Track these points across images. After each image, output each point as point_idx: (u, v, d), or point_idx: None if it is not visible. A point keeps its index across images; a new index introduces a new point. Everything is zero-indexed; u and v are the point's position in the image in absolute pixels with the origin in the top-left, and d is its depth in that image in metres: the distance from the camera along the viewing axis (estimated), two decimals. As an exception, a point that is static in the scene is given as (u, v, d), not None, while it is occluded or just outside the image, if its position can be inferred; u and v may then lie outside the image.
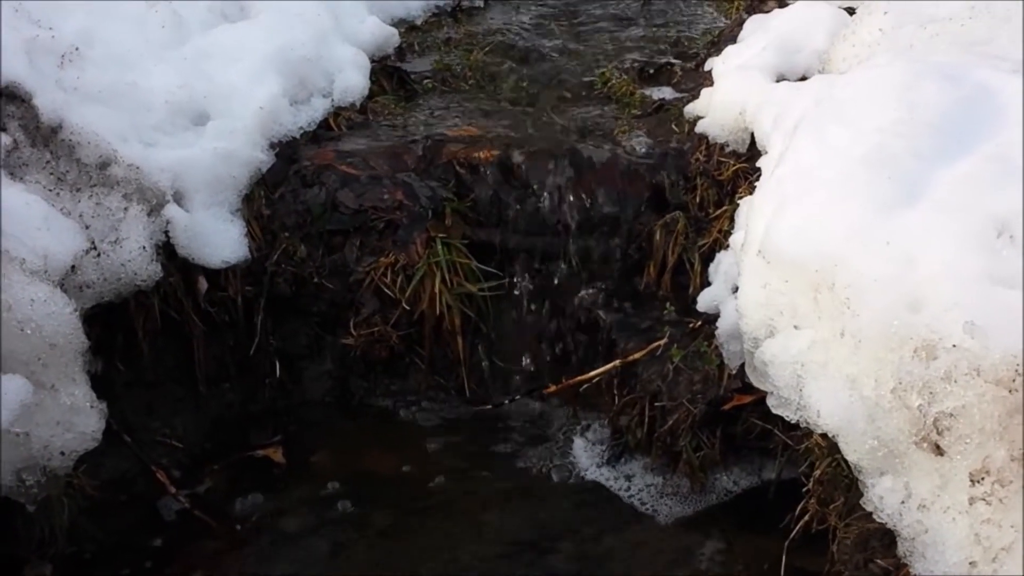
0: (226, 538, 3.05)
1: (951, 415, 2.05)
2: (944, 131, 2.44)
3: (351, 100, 3.86)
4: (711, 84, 3.65)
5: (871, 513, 2.28)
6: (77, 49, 3.19)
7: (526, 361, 3.62)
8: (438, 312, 3.47)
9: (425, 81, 4.20)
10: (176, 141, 3.30)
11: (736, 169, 3.42)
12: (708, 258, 3.36)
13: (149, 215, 3.04)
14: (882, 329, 2.18)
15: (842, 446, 2.31)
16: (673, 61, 4.28)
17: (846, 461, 2.37)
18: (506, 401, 3.58)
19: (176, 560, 2.97)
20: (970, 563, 2.01)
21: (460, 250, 3.46)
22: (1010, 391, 1.97)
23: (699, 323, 3.23)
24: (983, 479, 2.02)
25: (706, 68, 3.94)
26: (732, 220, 3.26)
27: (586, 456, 3.38)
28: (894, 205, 2.33)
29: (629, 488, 3.25)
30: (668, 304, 3.44)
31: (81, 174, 2.97)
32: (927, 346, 2.10)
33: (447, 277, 3.44)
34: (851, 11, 3.50)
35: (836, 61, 3.32)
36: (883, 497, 2.23)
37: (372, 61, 4.09)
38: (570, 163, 3.53)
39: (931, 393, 2.08)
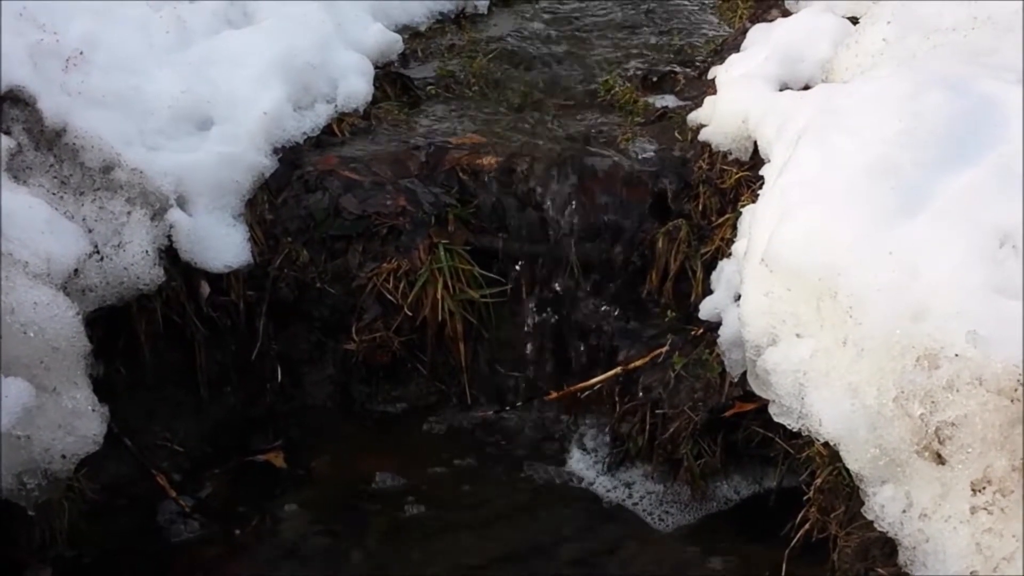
0: (226, 543, 3.04)
1: (953, 424, 2.05)
2: (947, 142, 2.45)
3: (355, 106, 3.87)
4: (714, 92, 3.66)
5: (872, 522, 2.28)
6: (81, 53, 3.20)
7: (527, 368, 3.61)
8: (440, 318, 3.47)
9: (429, 87, 4.21)
10: (179, 145, 3.30)
11: (739, 177, 3.42)
12: (710, 266, 3.36)
13: (152, 219, 3.05)
14: (885, 338, 2.19)
15: (843, 455, 2.31)
16: (676, 69, 4.30)
17: (847, 470, 2.37)
18: (507, 408, 3.58)
19: (176, 564, 2.97)
20: (971, 572, 2.01)
21: (462, 256, 3.46)
22: (1012, 400, 1.97)
23: (701, 331, 3.23)
24: (984, 488, 2.02)
25: (709, 76, 3.94)
26: (735, 228, 3.26)
27: (586, 463, 3.37)
28: (897, 215, 2.34)
29: (630, 495, 3.24)
30: (670, 312, 3.44)
31: (84, 178, 2.97)
32: (929, 355, 2.10)
33: (449, 283, 3.44)
34: (854, 21, 3.51)
35: (839, 71, 3.33)
36: (884, 506, 2.23)
37: (376, 67, 4.09)
38: (573, 170, 3.53)
39: (933, 402, 2.08)
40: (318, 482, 3.30)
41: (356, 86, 3.89)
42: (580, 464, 3.37)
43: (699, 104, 3.73)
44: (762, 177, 3.13)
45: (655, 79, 4.23)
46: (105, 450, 2.78)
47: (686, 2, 5.13)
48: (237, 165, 3.35)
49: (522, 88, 4.18)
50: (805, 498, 2.72)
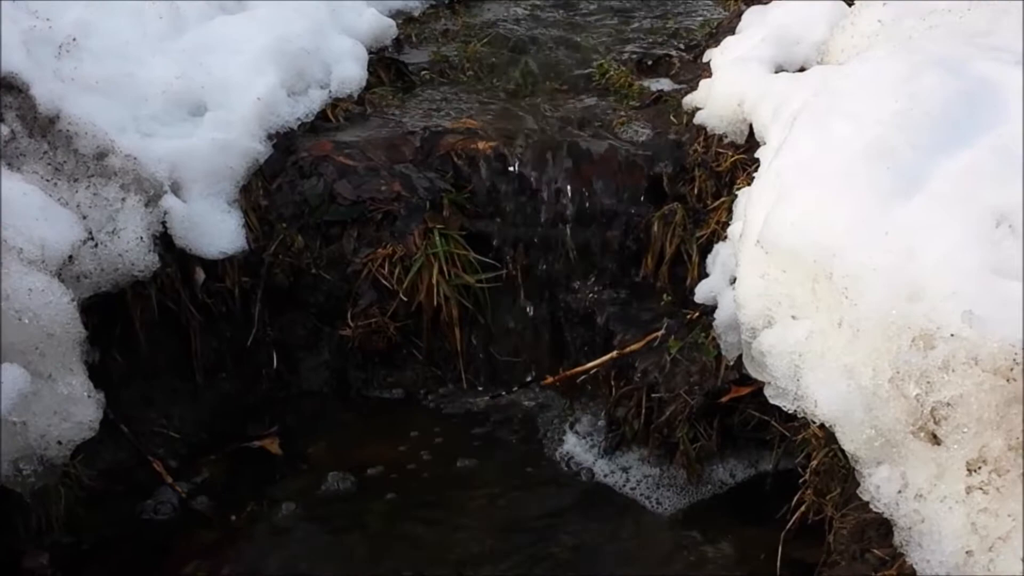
0: (223, 529, 3.05)
1: (948, 404, 2.05)
2: (944, 123, 2.44)
3: (349, 91, 3.86)
4: (710, 75, 3.65)
5: (868, 503, 2.28)
6: (75, 40, 3.19)
7: (523, 352, 3.61)
8: (436, 303, 3.47)
9: (423, 72, 4.20)
10: (174, 132, 3.30)
11: (734, 160, 3.42)
12: (706, 249, 3.36)
13: (146, 205, 3.04)
14: (880, 319, 2.19)
15: (839, 436, 2.32)
16: (671, 52, 4.28)
17: (843, 451, 2.37)
18: (503, 392, 3.59)
19: (173, 550, 2.96)
20: (966, 552, 2.02)
21: (458, 241, 3.46)
22: (1008, 380, 1.97)
23: (696, 314, 3.23)
24: (980, 468, 2.02)
25: (704, 59, 3.93)
26: (730, 211, 3.25)
27: (583, 447, 3.38)
28: (893, 196, 2.33)
29: (626, 479, 3.25)
30: (666, 295, 3.44)
31: (78, 164, 2.97)
32: (925, 336, 2.10)
33: (445, 268, 3.44)
34: (850, 2, 3.49)
35: (835, 52, 3.32)
36: (880, 487, 2.24)
37: (370, 52, 4.08)
38: (568, 154, 3.53)
39: (929, 382, 2.08)
40: (314, 468, 3.29)
41: (350, 71, 3.88)
42: (577, 448, 3.37)
43: (694, 87, 3.72)
44: (758, 160, 3.14)
45: (650, 63, 4.22)
46: (101, 436, 2.80)
47: (681, -15, 5.12)
48: (231, 151, 3.35)
49: (517, 73, 4.16)
50: (801, 480, 2.73)
